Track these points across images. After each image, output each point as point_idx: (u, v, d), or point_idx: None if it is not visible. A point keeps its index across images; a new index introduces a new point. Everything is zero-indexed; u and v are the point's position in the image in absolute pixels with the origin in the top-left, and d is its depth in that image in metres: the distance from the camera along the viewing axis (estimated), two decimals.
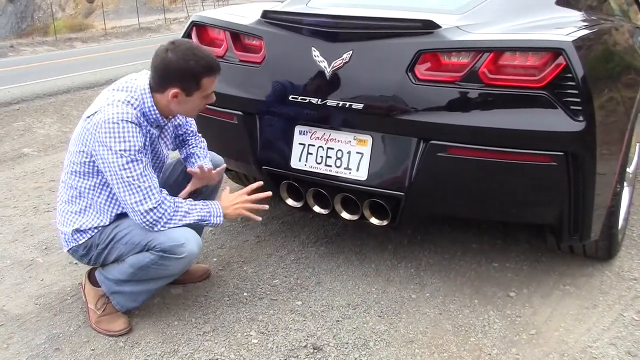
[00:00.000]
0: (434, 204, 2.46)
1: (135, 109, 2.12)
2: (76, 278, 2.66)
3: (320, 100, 2.40)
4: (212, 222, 2.22)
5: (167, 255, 2.14)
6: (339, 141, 2.45)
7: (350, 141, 2.43)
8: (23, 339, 2.26)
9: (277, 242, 3.01)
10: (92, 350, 2.18)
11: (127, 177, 2.06)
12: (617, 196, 2.53)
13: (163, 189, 2.18)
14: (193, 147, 2.48)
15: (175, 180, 2.49)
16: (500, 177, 2.25)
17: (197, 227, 2.49)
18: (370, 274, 2.68)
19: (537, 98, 2.11)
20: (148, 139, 2.19)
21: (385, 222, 2.46)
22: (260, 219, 2.35)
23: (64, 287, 2.62)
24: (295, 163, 2.53)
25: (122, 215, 2.22)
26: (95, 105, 2.16)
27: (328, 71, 2.39)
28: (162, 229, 2.13)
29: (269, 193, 2.36)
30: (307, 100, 2.43)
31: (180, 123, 2.46)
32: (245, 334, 2.26)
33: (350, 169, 2.42)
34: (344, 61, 2.36)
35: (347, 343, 2.19)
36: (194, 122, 2.53)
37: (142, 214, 2.09)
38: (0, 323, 2.37)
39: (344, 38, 2.39)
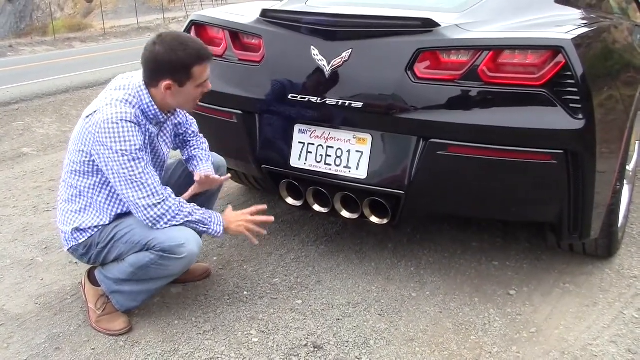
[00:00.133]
0: (434, 202, 2.46)
1: (133, 107, 2.12)
2: (76, 277, 2.66)
3: (319, 99, 2.40)
4: (212, 229, 2.22)
5: (167, 255, 2.13)
6: (338, 140, 2.45)
7: (349, 140, 2.42)
8: (23, 339, 2.26)
9: (277, 240, 3.01)
10: (93, 349, 2.18)
11: (130, 175, 2.06)
12: (617, 194, 2.53)
13: (167, 187, 2.18)
14: (195, 148, 2.48)
15: (177, 181, 2.49)
16: (500, 176, 2.25)
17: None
18: (370, 272, 2.68)
19: (536, 96, 2.11)
20: (147, 138, 2.19)
21: (385, 221, 2.47)
22: (257, 242, 2.37)
23: (64, 286, 2.62)
24: (295, 162, 2.53)
25: (123, 215, 2.22)
26: (94, 105, 2.16)
27: (327, 70, 2.39)
28: (165, 225, 2.13)
29: (271, 218, 2.37)
30: (306, 99, 2.43)
31: (181, 122, 2.45)
32: (246, 332, 2.26)
33: (350, 168, 2.42)
34: (343, 60, 2.36)
35: (347, 342, 2.20)
36: (194, 122, 2.53)
37: (146, 209, 2.09)
38: (1, 323, 2.37)
39: (343, 37, 2.39)
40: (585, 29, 2.31)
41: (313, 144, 2.50)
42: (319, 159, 2.48)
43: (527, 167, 2.17)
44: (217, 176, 2.42)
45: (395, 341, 2.20)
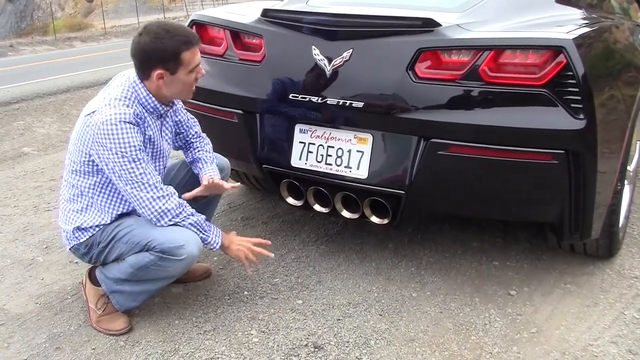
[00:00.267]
0: (435, 202, 2.46)
1: (132, 103, 2.12)
2: (76, 277, 2.66)
3: (320, 98, 2.40)
4: (211, 238, 2.22)
5: (167, 257, 2.13)
6: (339, 139, 2.45)
7: (350, 139, 2.42)
8: (24, 338, 2.26)
9: (277, 240, 3.00)
10: (93, 349, 2.18)
11: (132, 176, 2.07)
12: (617, 194, 2.53)
13: (170, 186, 2.19)
14: (199, 150, 2.47)
15: (180, 183, 2.47)
16: (501, 176, 2.25)
17: None
18: (370, 272, 2.68)
19: (537, 96, 2.10)
20: (147, 137, 2.18)
21: (385, 221, 2.46)
22: (250, 271, 2.40)
23: (64, 286, 2.62)
24: (295, 162, 2.53)
25: (124, 215, 2.22)
26: (93, 104, 2.16)
27: (328, 70, 2.39)
28: (169, 222, 2.13)
29: (271, 255, 2.38)
30: (307, 99, 2.43)
31: (181, 120, 2.44)
32: (246, 332, 2.26)
33: (350, 168, 2.42)
34: (344, 59, 2.36)
35: (348, 342, 2.19)
36: (197, 122, 2.52)
37: (150, 203, 2.10)
38: (1, 322, 2.37)
39: (344, 36, 2.39)
40: (586, 29, 2.31)
41: (314, 144, 2.49)
42: (319, 159, 2.48)
43: (528, 167, 2.17)
44: (224, 182, 2.42)
45: (395, 341, 2.20)
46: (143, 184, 2.08)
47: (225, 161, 2.59)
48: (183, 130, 2.47)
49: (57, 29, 24.34)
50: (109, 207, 2.21)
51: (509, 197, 2.34)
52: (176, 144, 2.48)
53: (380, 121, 2.35)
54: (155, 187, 2.11)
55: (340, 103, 2.36)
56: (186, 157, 2.51)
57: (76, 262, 2.76)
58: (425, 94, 2.26)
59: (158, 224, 2.14)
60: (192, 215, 2.18)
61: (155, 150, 2.25)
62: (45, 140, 5.39)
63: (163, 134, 2.31)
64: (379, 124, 2.36)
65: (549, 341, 2.19)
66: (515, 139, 2.14)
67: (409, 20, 2.34)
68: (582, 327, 2.26)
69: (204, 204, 2.45)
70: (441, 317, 2.34)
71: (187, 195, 2.32)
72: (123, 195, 2.18)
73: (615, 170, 2.41)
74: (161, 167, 2.33)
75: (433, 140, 2.25)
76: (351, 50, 2.35)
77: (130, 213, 2.21)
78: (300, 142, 2.52)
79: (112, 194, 2.19)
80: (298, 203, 2.66)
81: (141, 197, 2.10)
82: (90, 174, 2.17)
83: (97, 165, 2.14)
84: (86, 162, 2.16)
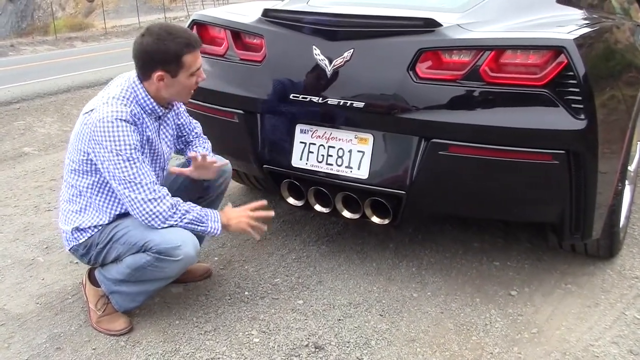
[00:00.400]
0: (435, 202, 2.46)
1: (130, 103, 2.11)
2: (77, 277, 2.66)
3: (321, 98, 2.40)
4: (209, 226, 2.19)
5: (163, 257, 2.12)
6: (340, 140, 2.45)
7: (351, 140, 2.42)
8: (24, 338, 2.26)
9: (278, 241, 3.00)
10: (94, 349, 2.18)
11: (125, 175, 2.06)
12: (618, 195, 2.52)
13: (164, 187, 2.17)
14: (197, 146, 2.46)
15: (180, 186, 2.45)
16: (502, 176, 2.25)
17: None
18: (371, 272, 2.68)
19: (538, 96, 2.10)
20: (145, 137, 2.18)
21: (386, 221, 2.46)
22: (259, 237, 2.33)
23: (64, 286, 2.62)
24: (296, 162, 2.53)
25: (122, 215, 2.22)
26: (93, 102, 2.17)
27: (329, 70, 2.38)
28: (162, 225, 2.12)
29: (272, 213, 2.35)
30: (308, 99, 2.43)
31: (184, 123, 2.44)
32: (247, 333, 2.26)
33: (351, 168, 2.42)
34: (345, 60, 2.36)
35: (348, 342, 2.19)
36: (198, 125, 2.52)
37: (142, 205, 2.08)
38: (1, 322, 2.37)
39: (345, 36, 2.39)
40: (587, 29, 2.31)
41: (314, 144, 2.49)
42: (320, 159, 2.48)
43: (529, 167, 2.17)
44: (215, 159, 2.37)
45: (396, 342, 2.20)
46: (136, 184, 2.07)
47: (224, 161, 2.58)
48: (185, 134, 2.47)
49: (57, 29, 24.34)
50: (107, 208, 2.21)
51: (509, 198, 2.34)
52: (177, 147, 2.48)
53: (381, 121, 2.35)
54: (148, 188, 2.08)
55: (341, 103, 2.36)
56: (184, 155, 2.50)
57: (76, 263, 2.76)
58: (426, 94, 2.25)
59: (151, 227, 2.12)
60: (187, 212, 2.15)
61: (153, 152, 2.25)
62: (46, 140, 5.39)
63: (162, 136, 2.30)
64: (379, 124, 2.36)
65: (550, 341, 2.19)
66: (516, 139, 2.14)
67: (409, 21, 2.34)
68: (583, 328, 2.26)
69: (206, 205, 2.44)
70: (442, 317, 2.34)
71: (172, 170, 2.27)
72: None
73: (616, 170, 2.41)
74: (159, 169, 2.33)
75: (434, 140, 2.25)
76: (352, 50, 2.35)
77: (128, 214, 2.21)
78: (301, 142, 2.52)
79: (110, 194, 2.19)
80: (299, 203, 2.66)
81: (133, 199, 2.08)
82: (89, 174, 2.17)
83: (95, 164, 2.14)
84: (84, 161, 2.16)
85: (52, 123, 6.16)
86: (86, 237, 2.22)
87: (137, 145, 2.09)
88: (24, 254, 2.96)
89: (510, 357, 2.11)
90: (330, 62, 2.38)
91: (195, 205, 2.21)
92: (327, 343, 2.19)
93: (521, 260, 2.76)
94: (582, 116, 2.07)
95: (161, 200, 2.10)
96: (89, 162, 2.15)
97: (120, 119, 2.06)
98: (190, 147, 2.47)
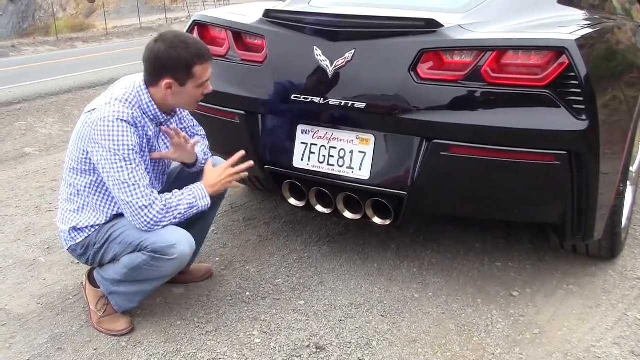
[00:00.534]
0: (437, 203, 2.45)
1: (133, 106, 2.12)
2: (78, 277, 2.66)
3: (322, 99, 2.40)
4: (200, 206, 2.19)
5: (158, 256, 2.12)
6: (341, 140, 2.45)
7: (352, 140, 2.42)
8: (25, 339, 2.26)
9: (279, 241, 3.00)
10: (95, 349, 2.18)
11: (120, 175, 2.05)
12: (620, 195, 2.52)
13: (154, 190, 2.16)
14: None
15: (180, 188, 2.45)
16: (503, 177, 2.25)
17: (201, 229, 2.48)
18: (372, 273, 2.68)
19: (540, 97, 2.10)
20: (145, 140, 2.18)
21: (387, 222, 2.46)
22: (239, 186, 2.29)
23: (66, 286, 2.62)
24: (297, 162, 2.53)
25: (119, 215, 2.21)
26: (95, 103, 2.17)
27: (330, 70, 2.38)
28: (155, 227, 2.11)
29: (250, 162, 2.35)
30: (309, 100, 2.43)
31: (186, 127, 2.44)
32: (248, 333, 2.26)
33: (352, 168, 2.42)
34: (346, 60, 2.36)
35: (350, 342, 2.19)
36: (201, 128, 2.51)
37: (136, 211, 2.08)
38: (3, 322, 2.37)
39: (346, 37, 2.39)
40: (588, 30, 2.31)
41: (316, 145, 2.49)
42: (321, 160, 2.48)
43: (530, 168, 2.17)
44: (188, 137, 2.32)
45: (397, 342, 2.20)
46: (130, 185, 2.06)
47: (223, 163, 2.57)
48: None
49: (58, 30, 24.32)
50: (104, 207, 2.20)
51: (511, 198, 2.33)
52: None
53: (382, 122, 2.35)
54: (142, 192, 2.07)
55: (343, 104, 2.36)
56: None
57: (77, 263, 2.76)
58: (427, 94, 2.25)
59: (144, 230, 2.11)
60: (178, 206, 2.14)
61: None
62: (47, 141, 5.39)
63: (163, 140, 2.30)
64: (381, 125, 2.36)
65: (552, 342, 2.19)
66: (517, 140, 2.14)
67: (411, 21, 2.34)
68: (584, 329, 2.26)
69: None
70: (443, 318, 2.34)
71: (154, 155, 2.25)
72: None
73: (617, 171, 2.41)
74: (160, 174, 2.33)
75: (435, 141, 2.25)
76: (353, 51, 2.35)
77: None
78: (302, 143, 2.52)
79: (107, 193, 2.19)
80: (300, 204, 2.66)
81: (128, 202, 2.07)
82: (87, 173, 2.17)
83: (93, 163, 2.14)
84: (83, 160, 2.16)
85: (54, 124, 6.16)
86: (83, 237, 2.22)
87: (135, 147, 2.09)
88: (25, 254, 2.96)
89: (511, 357, 2.11)
90: (332, 62, 2.38)
91: (182, 192, 2.18)
92: (328, 344, 2.19)
93: (523, 261, 2.76)
94: (584, 117, 2.07)
95: (152, 207, 2.09)
96: (87, 160, 2.15)
97: (121, 119, 2.06)
98: None
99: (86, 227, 2.21)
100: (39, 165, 4.52)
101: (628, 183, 2.74)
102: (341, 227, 3.12)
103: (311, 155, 2.50)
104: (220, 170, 2.29)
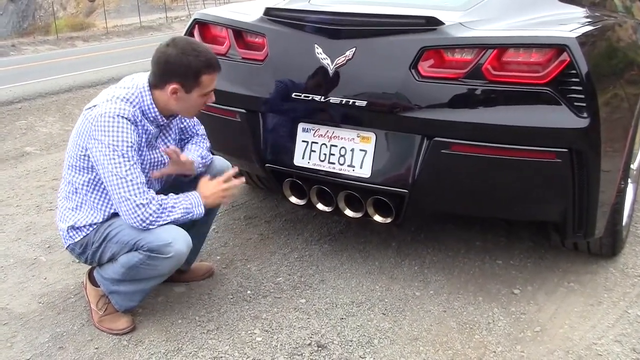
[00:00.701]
0: (438, 201, 2.45)
1: (134, 106, 2.12)
2: (79, 276, 2.66)
3: (323, 97, 2.40)
4: (194, 213, 2.20)
5: (155, 255, 2.12)
6: (342, 138, 2.44)
7: (353, 138, 2.42)
8: (27, 338, 2.26)
9: (280, 240, 3.00)
10: (96, 348, 2.18)
11: (118, 170, 2.05)
12: (621, 193, 2.52)
13: (150, 189, 2.16)
14: (192, 144, 2.44)
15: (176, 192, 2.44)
16: (504, 174, 2.24)
17: (202, 228, 2.48)
18: (373, 271, 2.68)
19: (541, 94, 2.10)
20: (145, 138, 2.18)
21: (389, 220, 2.46)
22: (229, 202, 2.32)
23: (67, 285, 2.62)
24: (298, 160, 2.53)
25: (116, 214, 2.20)
26: (96, 100, 2.17)
27: (331, 68, 2.38)
28: (150, 226, 2.11)
29: (242, 179, 2.38)
30: (310, 98, 2.43)
31: (187, 126, 2.44)
32: (249, 332, 2.26)
33: (353, 166, 2.41)
34: (347, 58, 2.36)
35: (351, 341, 2.19)
36: (202, 126, 2.51)
37: (131, 207, 2.07)
38: (4, 322, 2.37)
39: (346, 35, 2.38)
40: (589, 27, 2.30)
41: (317, 143, 2.49)
42: (322, 158, 2.48)
43: (531, 165, 2.17)
44: (186, 157, 2.33)
45: (399, 340, 2.20)
46: (127, 181, 2.05)
47: (225, 164, 2.53)
48: (187, 136, 2.46)
49: (59, 29, 24.30)
50: (101, 206, 2.20)
51: (512, 196, 2.33)
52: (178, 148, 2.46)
53: (383, 120, 2.35)
54: (138, 189, 2.07)
55: (343, 102, 2.36)
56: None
57: (78, 262, 2.74)
58: (428, 92, 2.25)
59: (140, 229, 2.11)
60: (174, 208, 2.14)
61: (151, 156, 2.24)
62: (48, 140, 5.39)
63: (163, 139, 2.30)
64: (382, 123, 2.36)
65: (553, 340, 2.18)
66: (518, 138, 2.14)
67: (412, 19, 2.34)
68: (586, 326, 2.26)
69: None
70: (445, 316, 2.34)
71: (154, 174, 2.27)
72: None
73: (618, 168, 2.41)
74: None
75: (436, 138, 2.25)
76: (354, 49, 2.35)
77: None
78: (303, 141, 2.52)
79: (105, 192, 2.18)
80: (301, 202, 2.66)
81: (123, 197, 2.06)
82: (85, 170, 2.17)
83: (91, 161, 2.13)
84: (82, 157, 2.16)
85: (54, 122, 6.16)
86: (81, 236, 2.21)
87: (134, 144, 2.09)
88: (26, 253, 2.96)
89: (513, 355, 2.11)
90: (332, 60, 2.38)
91: (178, 197, 2.19)
92: (329, 342, 2.19)
93: (524, 259, 2.76)
94: (585, 114, 2.07)
95: (148, 206, 2.09)
96: (86, 157, 2.15)
97: (121, 116, 2.06)
98: (186, 145, 2.46)
99: (84, 226, 2.21)
100: (40, 164, 4.52)
101: (629, 181, 2.74)
102: (342, 226, 3.12)
103: (312, 153, 2.50)
104: (215, 184, 2.30)
